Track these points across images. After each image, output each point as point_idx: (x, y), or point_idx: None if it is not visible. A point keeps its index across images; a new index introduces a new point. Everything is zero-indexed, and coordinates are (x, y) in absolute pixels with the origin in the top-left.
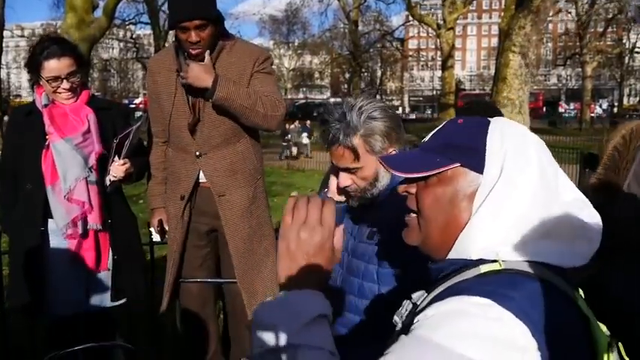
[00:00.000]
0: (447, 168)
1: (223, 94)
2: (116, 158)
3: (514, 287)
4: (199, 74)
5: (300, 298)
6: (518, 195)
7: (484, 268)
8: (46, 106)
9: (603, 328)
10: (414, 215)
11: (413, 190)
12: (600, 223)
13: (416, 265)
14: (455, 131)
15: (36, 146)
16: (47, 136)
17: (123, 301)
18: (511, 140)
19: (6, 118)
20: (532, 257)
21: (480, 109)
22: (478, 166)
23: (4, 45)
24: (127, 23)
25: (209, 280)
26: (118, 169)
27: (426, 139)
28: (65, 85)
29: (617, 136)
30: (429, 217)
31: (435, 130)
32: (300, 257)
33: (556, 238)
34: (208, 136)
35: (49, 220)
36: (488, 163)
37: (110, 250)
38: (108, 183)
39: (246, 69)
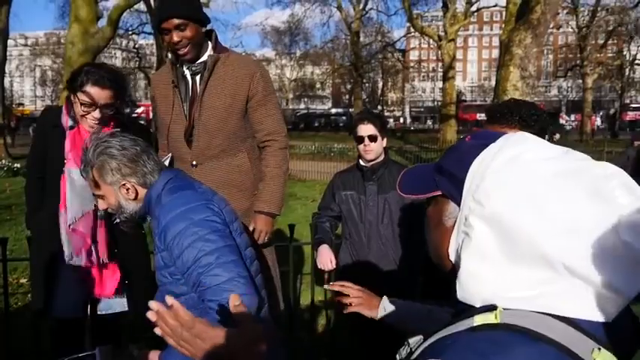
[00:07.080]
0: (432, 194)
1: (277, 208)
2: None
3: (503, 352)
4: (266, 228)
5: None
6: (500, 233)
7: (478, 320)
8: (71, 128)
9: None
10: None
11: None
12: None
13: None
14: (454, 151)
15: (57, 167)
16: (65, 160)
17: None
18: (499, 166)
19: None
20: (538, 306)
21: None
22: (456, 197)
23: (7, 54)
24: (129, 33)
25: None
26: None
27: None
28: (96, 114)
29: None
30: (426, 230)
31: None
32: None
33: (567, 280)
34: (204, 146)
35: None
36: (465, 194)
37: (119, 277)
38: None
39: (242, 85)
